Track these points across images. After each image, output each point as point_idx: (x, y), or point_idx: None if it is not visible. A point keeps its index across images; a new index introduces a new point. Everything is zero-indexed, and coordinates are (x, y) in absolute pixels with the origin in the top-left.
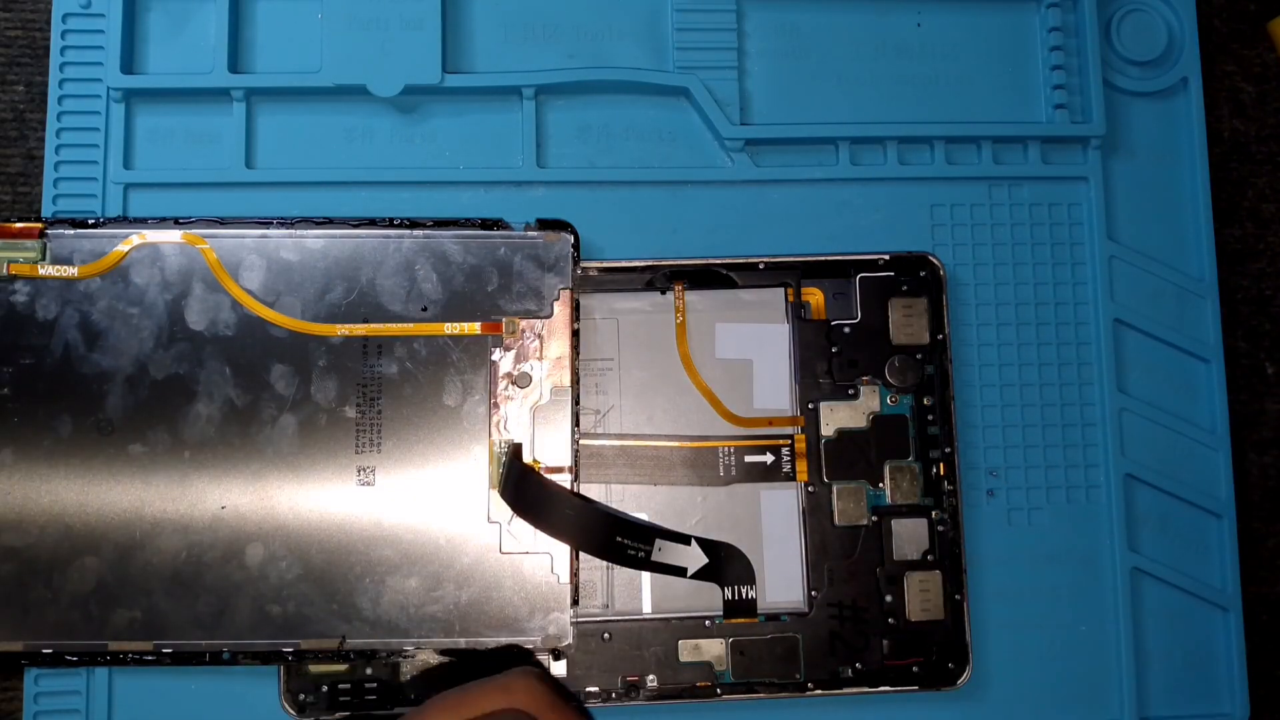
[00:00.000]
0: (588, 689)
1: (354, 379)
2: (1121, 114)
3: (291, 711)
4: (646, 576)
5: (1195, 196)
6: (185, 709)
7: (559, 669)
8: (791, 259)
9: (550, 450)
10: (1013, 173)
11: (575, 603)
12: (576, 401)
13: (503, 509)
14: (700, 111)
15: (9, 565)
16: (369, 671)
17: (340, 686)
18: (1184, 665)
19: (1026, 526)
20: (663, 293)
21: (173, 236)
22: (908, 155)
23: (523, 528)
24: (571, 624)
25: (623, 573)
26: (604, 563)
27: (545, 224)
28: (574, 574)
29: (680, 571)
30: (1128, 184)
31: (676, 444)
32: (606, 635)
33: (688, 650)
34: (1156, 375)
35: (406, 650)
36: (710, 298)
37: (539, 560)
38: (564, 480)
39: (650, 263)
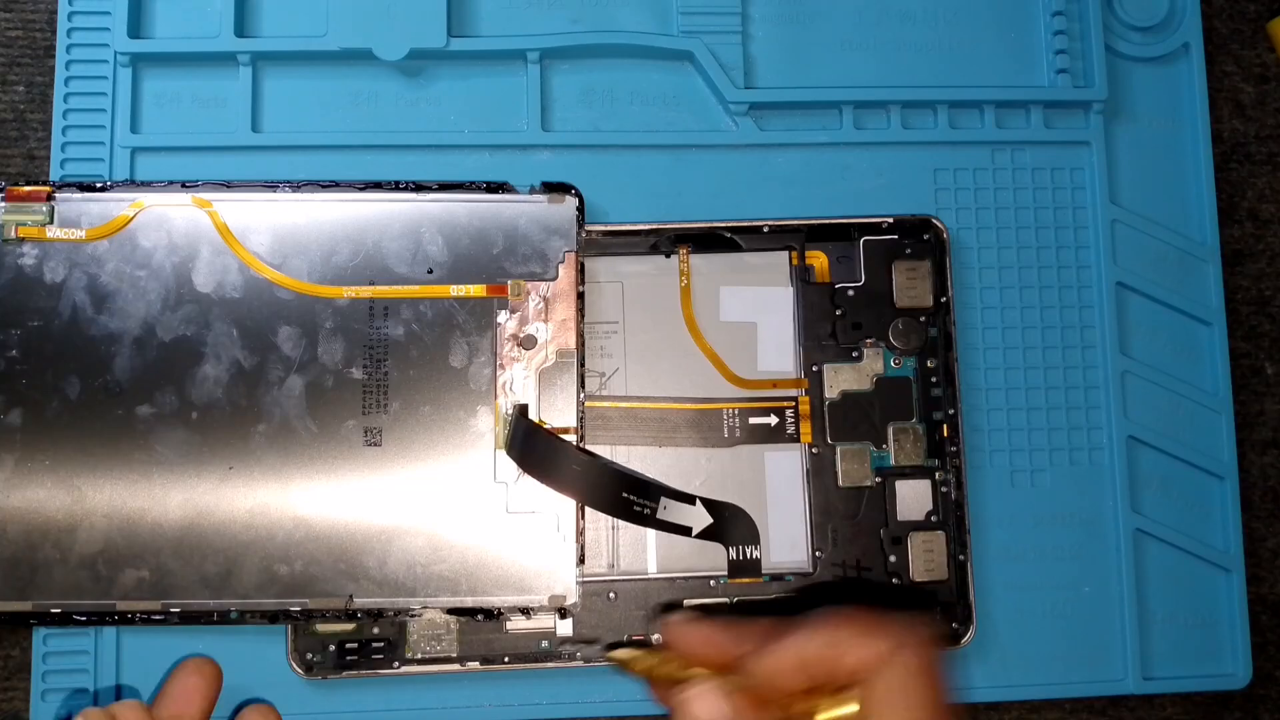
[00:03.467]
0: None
1: (360, 341)
2: (1124, 79)
3: (299, 671)
4: (652, 537)
5: (1197, 160)
6: None
7: (564, 628)
8: (795, 222)
9: (556, 412)
10: (1015, 137)
11: (581, 561)
12: (582, 364)
13: (509, 469)
14: (704, 75)
15: (17, 526)
16: (376, 631)
17: (347, 646)
18: (1186, 626)
19: (1030, 488)
20: (667, 256)
21: (180, 200)
22: (911, 120)
23: (529, 488)
24: (577, 583)
25: (628, 533)
26: (610, 523)
27: (550, 187)
28: (580, 533)
29: (685, 531)
30: (1130, 148)
31: (681, 406)
32: (612, 595)
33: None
34: (1159, 338)
35: (413, 609)
36: (715, 261)
37: (545, 520)
38: (570, 440)
39: (655, 226)
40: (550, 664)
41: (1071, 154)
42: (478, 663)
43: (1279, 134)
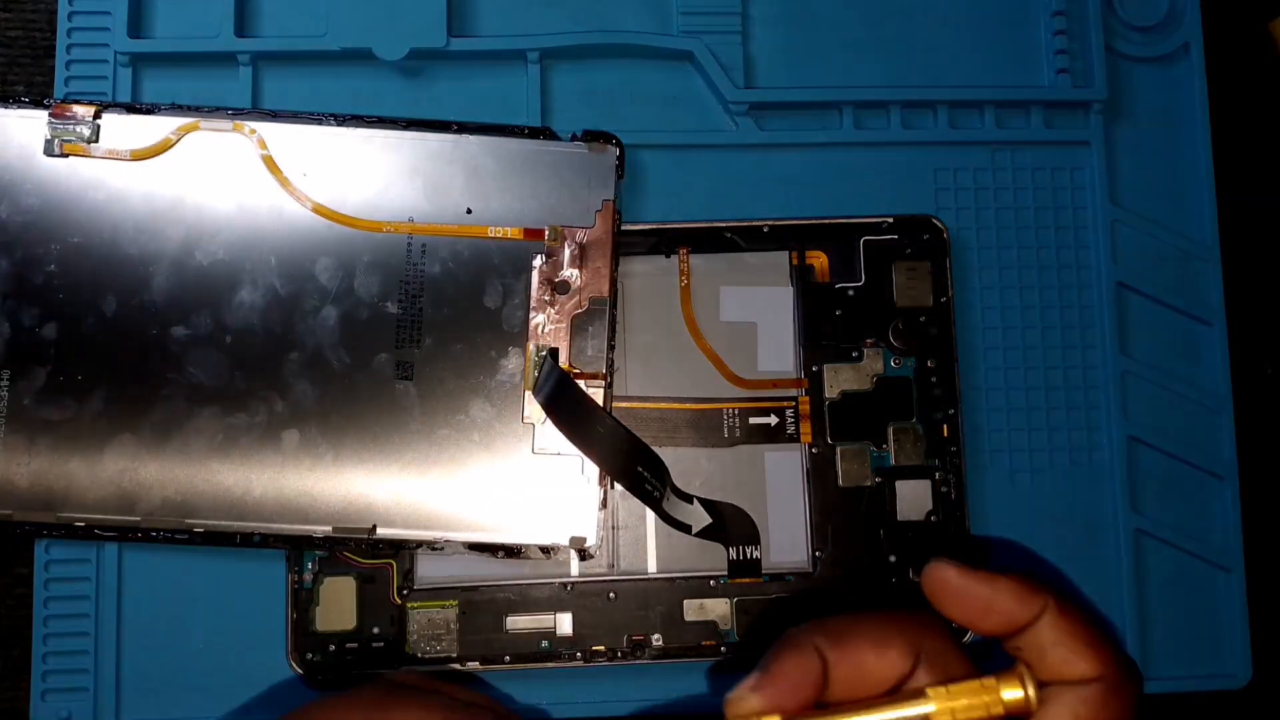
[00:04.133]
0: (594, 647)
1: (397, 276)
2: (1124, 79)
3: (299, 670)
4: (652, 537)
5: (1197, 160)
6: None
7: (565, 627)
8: (796, 222)
9: (585, 358)
10: (1015, 137)
11: (604, 505)
12: (614, 309)
13: (537, 410)
14: (705, 75)
15: (46, 438)
16: (375, 630)
17: (348, 646)
18: (1187, 626)
19: (1030, 488)
20: (667, 256)
21: (225, 126)
22: (911, 119)
23: (555, 430)
24: (599, 526)
25: (628, 533)
26: (611, 523)
27: (591, 135)
28: (603, 476)
29: (685, 528)
30: (1130, 148)
31: (681, 406)
32: (612, 595)
33: (693, 610)
34: (1159, 338)
35: (435, 543)
36: (715, 261)
37: (570, 462)
38: (597, 387)
39: (655, 226)
40: (551, 664)
41: (1071, 154)
42: (478, 662)
43: (1279, 134)
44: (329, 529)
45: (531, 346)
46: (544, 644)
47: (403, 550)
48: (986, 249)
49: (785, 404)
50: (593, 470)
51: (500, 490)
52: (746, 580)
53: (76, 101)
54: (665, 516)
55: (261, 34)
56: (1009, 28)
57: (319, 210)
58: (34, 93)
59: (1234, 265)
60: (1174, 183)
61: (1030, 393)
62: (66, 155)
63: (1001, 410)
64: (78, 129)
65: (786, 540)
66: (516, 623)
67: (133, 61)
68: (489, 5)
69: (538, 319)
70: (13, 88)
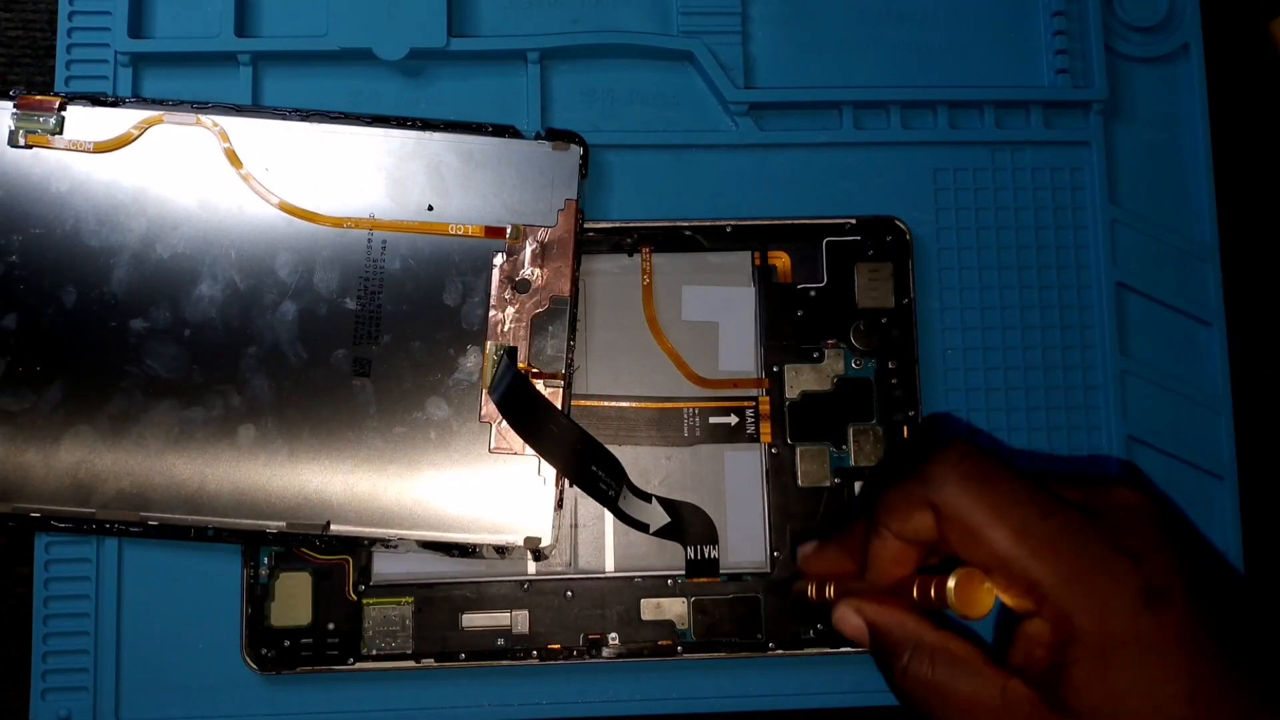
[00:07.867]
0: (549, 646)
1: (357, 272)
2: (1124, 79)
3: (254, 667)
4: (610, 536)
5: (1197, 160)
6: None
7: (521, 625)
8: (758, 222)
9: (544, 358)
10: (1015, 137)
11: (559, 506)
12: (574, 309)
13: (495, 409)
14: (705, 75)
15: (3, 428)
16: (331, 626)
17: (303, 641)
18: None
19: None
20: (630, 255)
21: (188, 120)
22: (911, 119)
23: (512, 430)
24: (554, 526)
25: (587, 531)
26: (570, 521)
27: (555, 134)
28: (559, 477)
29: (643, 527)
30: (1130, 148)
31: (642, 405)
32: (569, 593)
33: (650, 609)
34: (1158, 338)
35: (389, 540)
36: (677, 260)
37: (526, 462)
38: (555, 387)
39: (617, 225)
40: (506, 662)
41: (1071, 154)
42: (433, 660)
43: (1279, 134)
44: (283, 524)
45: (490, 345)
46: (500, 642)
47: (357, 547)
48: (986, 249)
49: (745, 404)
50: (550, 470)
51: (456, 489)
52: (704, 580)
53: (41, 93)
54: (622, 515)
55: (261, 34)
56: (1009, 28)
57: (280, 205)
58: (34, 93)
59: (1234, 265)
60: (1174, 183)
61: (1030, 393)
62: (30, 147)
63: (1001, 410)
64: (42, 120)
65: (745, 540)
66: (473, 620)
67: (133, 61)
68: (489, 5)
69: (497, 317)
70: (14, 88)
